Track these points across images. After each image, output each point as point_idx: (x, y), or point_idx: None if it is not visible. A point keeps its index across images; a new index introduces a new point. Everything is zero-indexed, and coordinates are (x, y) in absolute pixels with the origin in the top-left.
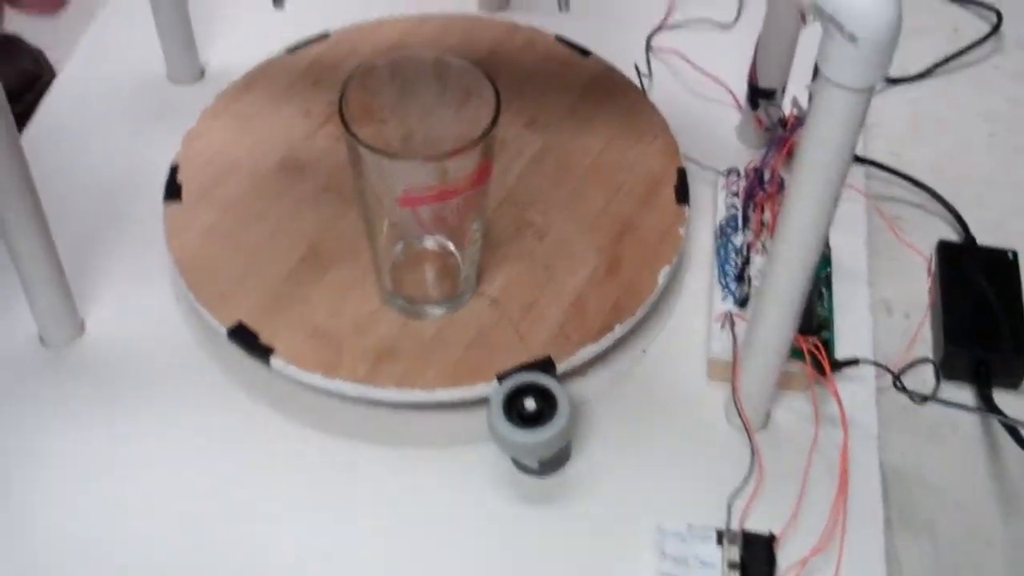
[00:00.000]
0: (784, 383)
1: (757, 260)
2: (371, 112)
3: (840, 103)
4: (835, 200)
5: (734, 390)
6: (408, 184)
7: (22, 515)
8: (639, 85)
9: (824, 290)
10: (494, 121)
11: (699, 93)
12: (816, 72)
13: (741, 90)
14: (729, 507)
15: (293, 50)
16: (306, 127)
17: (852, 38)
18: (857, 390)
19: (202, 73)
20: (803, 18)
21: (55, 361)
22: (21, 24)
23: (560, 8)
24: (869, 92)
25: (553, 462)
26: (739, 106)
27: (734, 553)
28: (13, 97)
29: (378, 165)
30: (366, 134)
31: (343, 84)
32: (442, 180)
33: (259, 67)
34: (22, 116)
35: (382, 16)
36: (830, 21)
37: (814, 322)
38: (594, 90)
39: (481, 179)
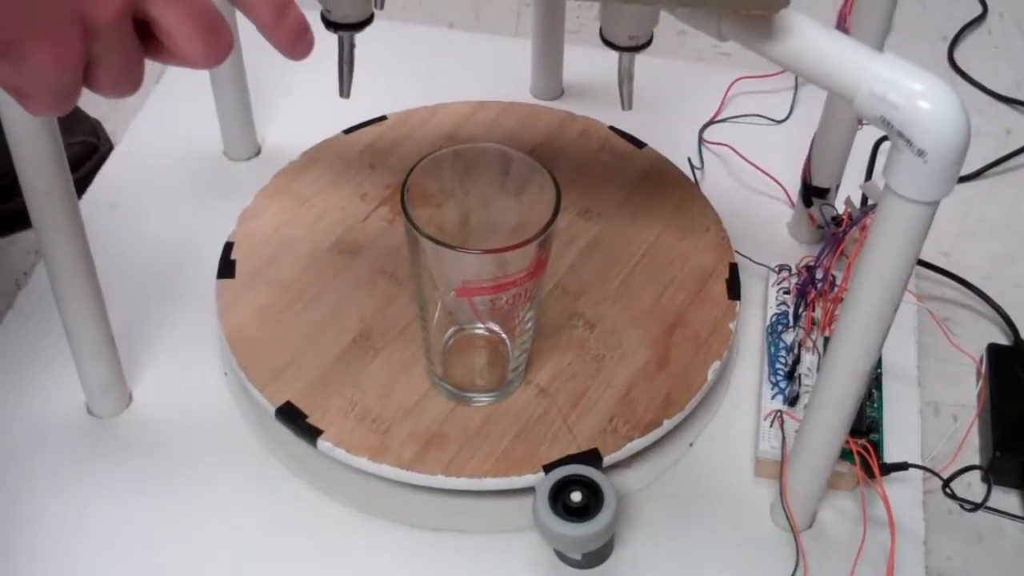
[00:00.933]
0: (832, 483)
1: (808, 359)
2: (429, 196)
3: (905, 216)
4: (895, 308)
5: (782, 490)
6: (466, 274)
7: None
8: (692, 178)
9: (874, 391)
10: (554, 216)
11: (751, 187)
12: (870, 172)
13: (793, 185)
14: None
15: (350, 131)
16: (361, 209)
17: (921, 153)
18: (904, 493)
19: (258, 150)
20: (860, 120)
21: (102, 432)
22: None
23: (623, 107)
24: (935, 205)
25: (596, 555)
26: (791, 202)
27: None
28: (71, 167)
29: (437, 254)
30: (421, 217)
31: (407, 174)
32: (500, 271)
33: (316, 147)
34: (78, 186)
35: (439, 101)
36: (899, 136)
37: (864, 423)
38: (647, 182)
39: (537, 271)
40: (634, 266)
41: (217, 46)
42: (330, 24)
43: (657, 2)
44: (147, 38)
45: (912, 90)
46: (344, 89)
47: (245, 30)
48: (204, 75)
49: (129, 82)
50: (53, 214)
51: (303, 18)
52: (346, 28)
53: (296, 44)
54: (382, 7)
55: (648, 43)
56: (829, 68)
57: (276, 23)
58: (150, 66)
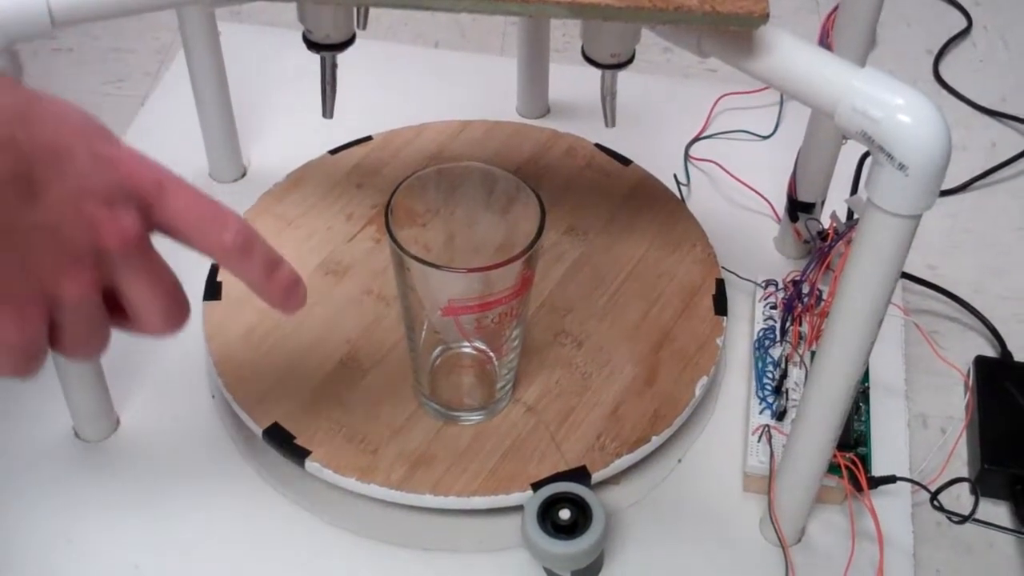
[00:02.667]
0: (820, 497)
1: (795, 373)
2: (414, 216)
3: (888, 229)
4: (879, 321)
5: (770, 504)
6: (452, 294)
7: None
8: (678, 194)
9: (862, 404)
10: (539, 234)
11: (737, 203)
12: (855, 187)
13: (779, 201)
14: None
15: (336, 152)
16: (348, 230)
17: (902, 167)
18: (893, 506)
19: (244, 172)
20: (844, 136)
21: (89, 456)
22: None
23: (606, 124)
24: (917, 219)
25: (586, 572)
26: (777, 217)
27: None
28: None
29: (423, 274)
30: (407, 236)
31: (391, 194)
32: (486, 290)
33: (301, 168)
34: None
35: (425, 120)
36: (880, 150)
37: (851, 437)
38: (633, 199)
39: (523, 289)
40: (621, 283)
41: (178, 317)
42: (312, 45)
43: (637, 19)
44: (112, 305)
45: (892, 104)
46: (327, 110)
47: (228, 48)
48: (189, 98)
49: (94, 347)
50: None
51: (294, 273)
52: (328, 48)
53: (288, 297)
54: (364, 27)
55: (630, 61)
56: (809, 83)
57: (266, 280)
58: (135, 88)
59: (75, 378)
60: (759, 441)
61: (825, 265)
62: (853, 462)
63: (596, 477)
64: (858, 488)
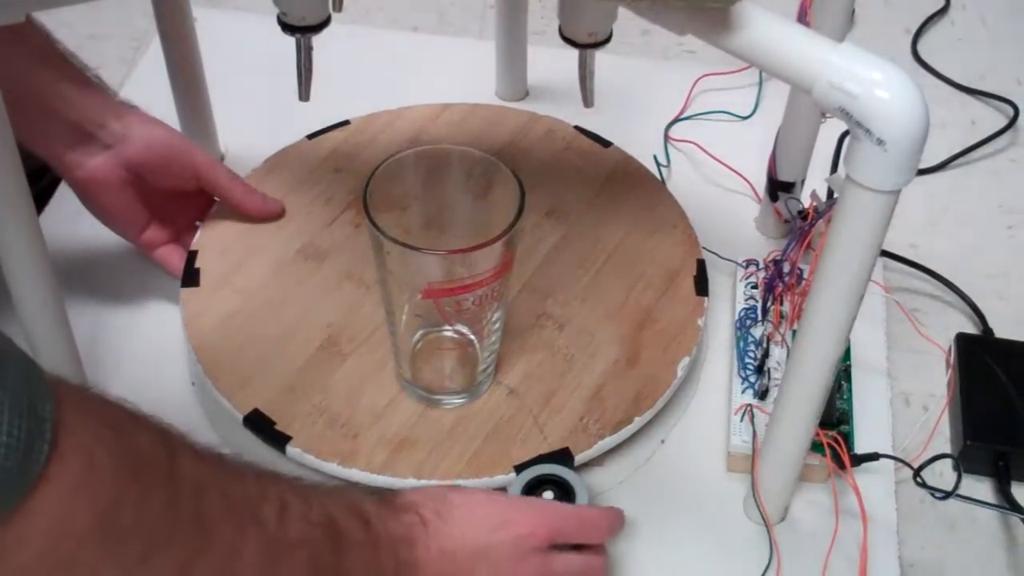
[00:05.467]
0: (803, 476)
1: (776, 352)
2: (393, 200)
3: (867, 205)
4: (860, 298)
5: (754, 483)
6: (432, 276)
7: None
8: (658, 176)
9: (844, 383)
10: (519, 215)
11: (717, 184)
12: (835, 166)
13: (759, 181)
14: None
15: (313, 136)
16: (327, 214)
17: (880, 142)
18: (876, 483)
19: (222, 158)
20: (823, 114)
21: None
22: None
23: (585, 103)
24: (896, 194)
25: None
26: (758, 197)
27: None
28: (32, 179)
29: (402, 256)
30: (386, 220)
31: (368, 176)
32: (466, 272)
33: (279, 153)
34: (40, 197)
35: (403, 104)
36: (858, 126)
37: (834, 415)
38: (614, 180)
39: (503, 271)
40: (602, 265)
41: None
42: (287, 27)
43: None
44: None
45: (870, 79)
46: (303, 92)
47: (203, 34)
48: (165, 84)
49: None
50: (11, 226)
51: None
52: (303, 31)
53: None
54: (340, 9)
55: (608, 40)
56: (787, 59)
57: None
58: (111, 75)
59: (51, 366)
60: (742, 420)
61: (805, 244)
62: (836, 440)
63: (579, 459)
64: (841, 466)
